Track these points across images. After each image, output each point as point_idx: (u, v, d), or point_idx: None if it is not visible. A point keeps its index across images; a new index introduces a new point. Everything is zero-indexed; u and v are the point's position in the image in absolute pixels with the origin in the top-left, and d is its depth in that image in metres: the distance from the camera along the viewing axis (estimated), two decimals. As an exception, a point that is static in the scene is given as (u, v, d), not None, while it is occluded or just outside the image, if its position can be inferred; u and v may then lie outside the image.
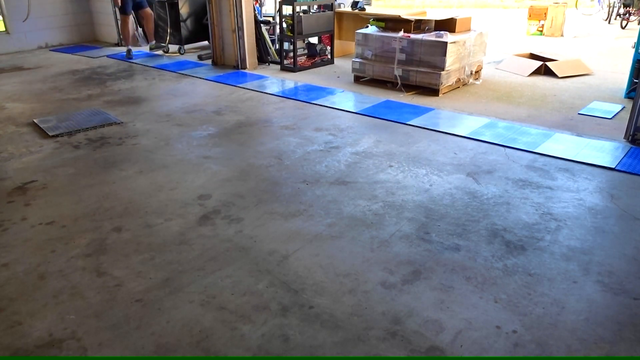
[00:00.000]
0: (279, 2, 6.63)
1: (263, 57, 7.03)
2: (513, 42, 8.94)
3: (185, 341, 2.00)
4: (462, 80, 5.71)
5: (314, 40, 7.34)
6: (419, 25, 5.72)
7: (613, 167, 3.53)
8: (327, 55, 7.24)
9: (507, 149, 3.88)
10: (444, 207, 3.01)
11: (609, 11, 11.64)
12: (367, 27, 5.98)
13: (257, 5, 7.29)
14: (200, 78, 6.35)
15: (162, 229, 2.82)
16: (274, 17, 7.66)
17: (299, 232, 2.76)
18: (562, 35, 9.67)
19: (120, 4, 7.41)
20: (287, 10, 6.62)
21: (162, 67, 6.94)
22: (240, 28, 6.57)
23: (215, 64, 7.09)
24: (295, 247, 2.62)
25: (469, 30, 5.78)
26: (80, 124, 4.58)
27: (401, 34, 5.51)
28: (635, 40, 5.11)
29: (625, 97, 5.22)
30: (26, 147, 4.09)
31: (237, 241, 2.68)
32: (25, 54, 8.02)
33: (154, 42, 8.05)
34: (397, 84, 5.63)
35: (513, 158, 3.72)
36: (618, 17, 11.16)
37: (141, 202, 3.13)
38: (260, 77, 6.38)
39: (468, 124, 4.46)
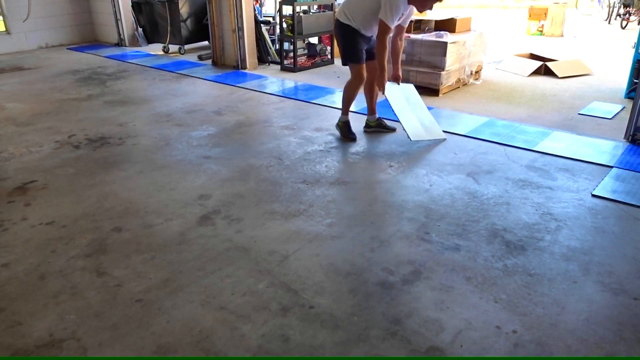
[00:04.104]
0: (279, 2, 6.63)
1: (263, 57, 7.03)
2: (513, 42, 8.94)
3: (185, 341, 2.00)
4: (462, 81, 5.71)
5: (314, 40, 7.34)
6: (419, 25, 5.72)
7: (613, 166, 3.53)
8: (327, 55, 7.24)
9: (507, 149, 3.88)
10: (444, 207, 3.01)
11: (609, 11, 11.65)
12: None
13: (257, 5, 7.30)
14: (200, 78, 6.35)
15: (162, 229, 2.82)
16: (274, 17, 7.66)
17: (299, 232, 2.77)
18: (562, 35, 9.68)
19: None
20: (287, 10, 6.63)
21: (162, 67, 6.94)
22: (240, 28, 6.58)
23: (215, 64, 7.09)
24: (295, 247, 2.62)
25: (469, 30, 5.79)
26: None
27: (401, 34, 5.51)
28: (635, 40, 5.11)
29: (625, 97, 5.22)
30: (26, 147, 4.09)
31: (237, 241, 2.69)
32: (25, 54, 8.02)
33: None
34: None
35: (513, 158, 3.72)
36: (618, 17, 11.17)
37: (141, 202, 3.13)
38: (260, 77, 6.38)
39: (468, 123, 4.46)
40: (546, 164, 3.61)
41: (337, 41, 4.03)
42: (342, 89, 4.17)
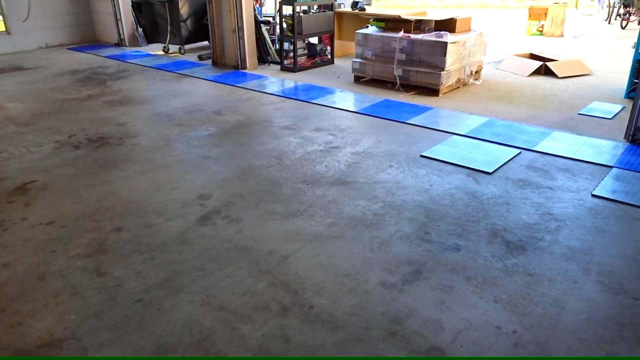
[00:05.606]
0: (279, 2, 6.63)
1: (263, 57, 7.03)
2: (513, 42, 8.94)
3: (185, 341, 2.00)
4: (462, 81, 5.71)
5: (314, 40, 7.34)
6: (419, 25, 5.72)
7: (613, 166, 3.53)
8: (327, 55, 7.24)
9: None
10: (444, 207, 3.01)
11: (609, 11, 11.64)
12: (367, 27, 5.98)
13: (257, 5, 7.29)
14: (200, 78, 6.35)
15: (162, 229, 2.82)
16: (274, 17, 7.66)
17: (299, 232, 2.76)
18: (562, 35, 9.68)
19: None
20: (287, 10, 6.62)
21: (162, 67, 6.94)
22: (240, 28, 6.57)
23: (215, 64, 7.09)
24: (295, 247, 2.62)
25: (469, 30, 5.78)
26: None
27: (401, 34, 5.51)
28: (635, 40, 5.11)
29: (625, 97, 5.22)
30: (26, 147, 4.09)
31: (237, 241, 2.69)
32: (25, 54, 8.02)
33: None
34: (397, 84, 5.63)
35: (513, 158, 3.72)
36: (618, 17, 11.17)
37: (141, 202, 3.13)
38: (260, 77, 6.38)
39: (468, 123, 4.46)
40: (546, 164, 3.61)
41: None
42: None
